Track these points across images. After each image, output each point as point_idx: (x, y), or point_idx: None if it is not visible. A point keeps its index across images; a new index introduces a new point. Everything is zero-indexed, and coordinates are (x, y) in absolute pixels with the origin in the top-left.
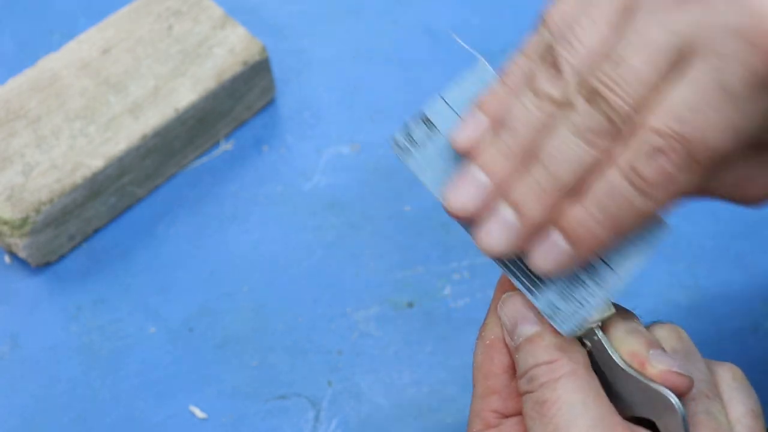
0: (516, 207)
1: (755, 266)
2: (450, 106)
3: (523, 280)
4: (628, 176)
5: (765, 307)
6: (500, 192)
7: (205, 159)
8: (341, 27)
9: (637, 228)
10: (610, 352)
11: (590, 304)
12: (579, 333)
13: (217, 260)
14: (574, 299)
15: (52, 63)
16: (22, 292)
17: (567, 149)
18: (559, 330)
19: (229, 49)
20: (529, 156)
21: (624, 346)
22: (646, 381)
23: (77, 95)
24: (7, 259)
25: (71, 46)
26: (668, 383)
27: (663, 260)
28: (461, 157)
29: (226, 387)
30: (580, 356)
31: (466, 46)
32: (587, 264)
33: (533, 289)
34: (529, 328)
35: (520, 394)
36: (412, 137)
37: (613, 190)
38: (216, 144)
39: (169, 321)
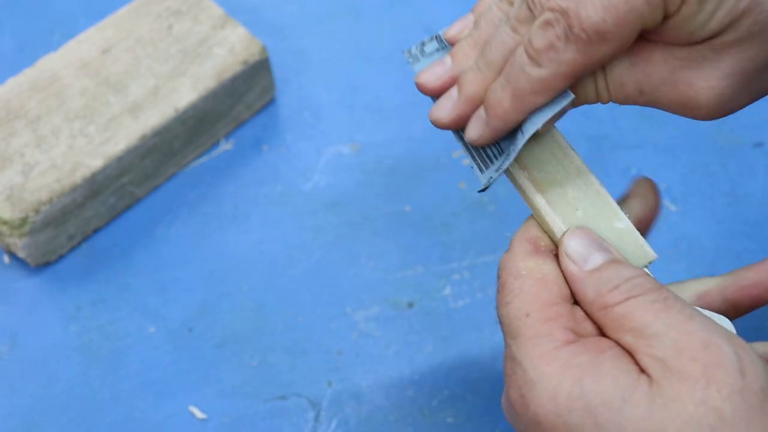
0: (459, 85)
1: None
2: None
3: (477, 159)
4: (526, 48)
5: (765, 307)
6: (457, 75)
7: (204, 159)
8: (341, 27)
9: (538, 93)
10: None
11: (506, 166)
12: (494, 178)
13: (217, 260)
14: (501, 169)
15: (51, 63)
16: (22, 292)
17: (499, 36)
18: (482, 179)
19: (229, 48)
20: (480, 46)
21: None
22: None
23: (77, 95)
24: (6, 258)
25: (71, 45)
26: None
27: (663, 260)
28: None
29: (226, 387)
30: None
31: None
32: (514, 138)
33: (482, 167)
34: (605, 255)
35: (600, 310)
36: (423, 49)
37: (515, 63)
38: (216, 144)
39: (168, 321)
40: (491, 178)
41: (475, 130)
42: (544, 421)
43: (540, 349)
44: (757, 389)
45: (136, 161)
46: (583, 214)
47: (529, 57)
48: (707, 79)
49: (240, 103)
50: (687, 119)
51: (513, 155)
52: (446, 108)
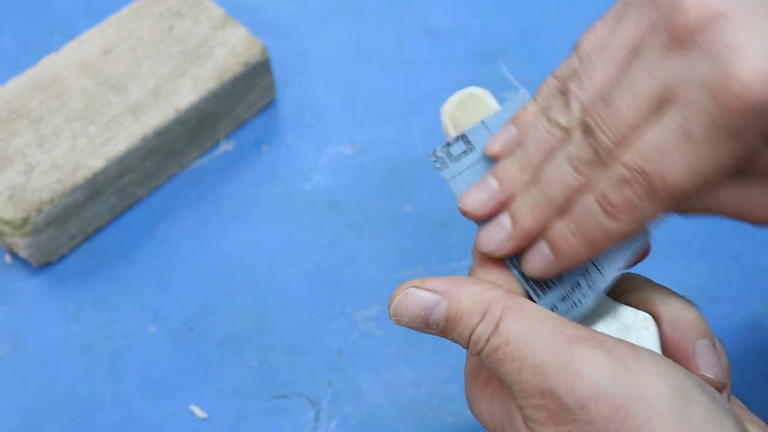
0: (513, 216)
1: (755, 266)
2: (487, 128)
3: (532, 285)
4: (600, 201)
5: (765, 307)
6: (505, 201)
7: (205, 159)
8: (341, 27)
9: (614, 242)
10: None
11: (582, 304)
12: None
13: (217, 260)
14: (570, 300)
15: (52, 63)
16: (23, 292)
17: (559, 173)
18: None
19: (229, 49)
20: (534, 173)
21: (668, 311)
22: (623, 306)
23: (78, 95)
24: (7, 258)
25: (72, 46)
26: (707, 380)
27: (663, 260)
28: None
29: (226, 387)
30: (503, 294)
31: (510, 76)
32: (582, 269)
33: (539, 292)
34: (440, 311)
35: (482, 362)
36: (450, 151)
37: (586, 212)
38: (216, 144)
39: (169, 321)
40: (555, 306)
41: (539, 266)
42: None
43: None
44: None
45: (137, 162)
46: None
47: (604, 211)
48: None
49: (240, 104)
50: None
51: (593, 296)
52: (499, 240)
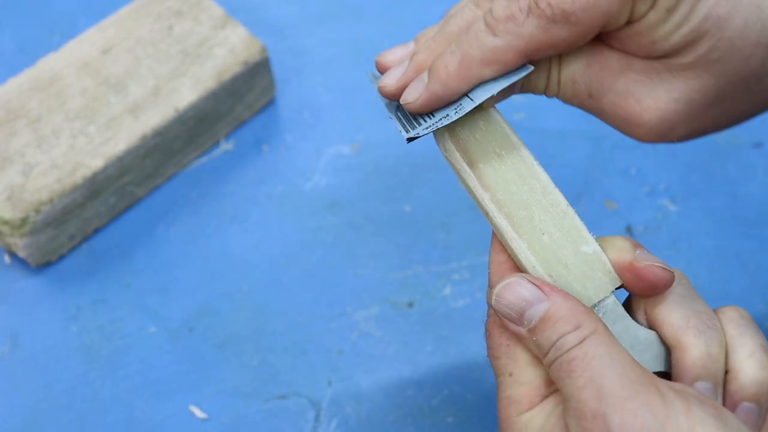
0: (412, 55)
1: (755, 266)
2: None
3: (404, 122)
4: (486, 17)
5: (765, 307)
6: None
7: (205, 159)
8: (341, 27)
9: (488, 63)
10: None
11: (442, 122)
12: (421, 134)
13: (217, 260)
14: (434, 126)
15: (52, 63)
16: (22, 292)
17: (461, 12)
18: (409, 128)
19: (229, 49)
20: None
21: (611, 250)
22: (647, 329)
23: (77, 95)
24: (7, 258)
25: (71, 45)
26: (652, 275)
27: (664, 260)
28: None
29: (226, 387)
30: (597, 318)
31: None
32: (456, 104)
33: (408, 127)
34: (538, 309)
35: (548, 366)
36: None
37: (470, 29)
38: (216, 144)
39: (169, 321)
40: (417, 133)
41: (412, 93)
42: None
43: (506, 413)
44: None
45: (137, 161)
46: (549, 238)
47: (487, 25)
48: (656, 98)
49: (240, 104)
50: None
51: (454, 117)
52: (394, 75)
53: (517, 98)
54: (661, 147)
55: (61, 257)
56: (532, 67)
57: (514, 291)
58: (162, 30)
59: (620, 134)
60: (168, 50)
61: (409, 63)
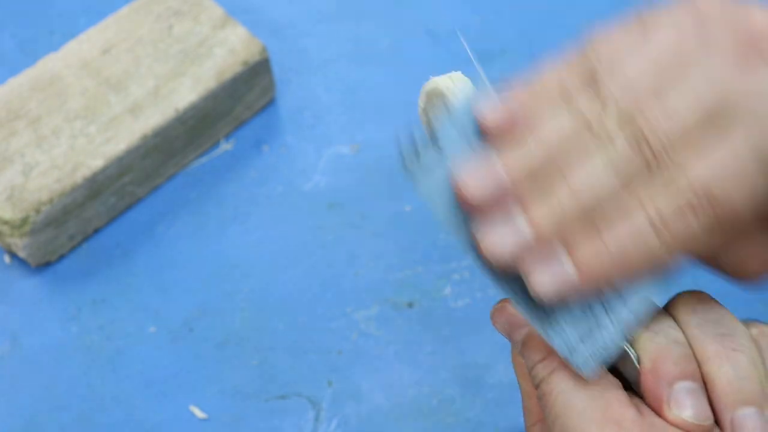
0: (531, 218)
1: None
2: (457, 129)
3: (538, 318)
4: (654, 222)
5: (765, 307)
6: (516, 197)
7: (205, 159)
8: (341, 27)
9: (648, 270)
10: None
11: (609, 346)
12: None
13: (217, 260)
14: (591, 339)
15: (52, 63)
16: (22, 292)
17: (598, 179)
18: (580, 372)
19: (229, 49)
20: (552, 170)
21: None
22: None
23: (78, 95)
24: (7, 258)
25: (71, 46)
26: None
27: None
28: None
29: (226, 387)
30: None
31: (471, 54)
32: (594, 298)
33: (548, 330)
34: (520, 332)
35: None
36: (419, 159)
37: (635, 231)
38: (216, 144)
39: (169, 321)
40: (594, 369)
41: (552, 283)
42: None
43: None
44: None
45: (137, 161)
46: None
47: (657, 233)
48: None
49: (240, 104)
50: None
51: (618, 332)
52: (508, 241)
53: None
54: None
55: (61, 257)
56: (681, 267)
57: (500, 316)
58: (162, 30)
59: None
60: (168, 50)
61: (532, 233)
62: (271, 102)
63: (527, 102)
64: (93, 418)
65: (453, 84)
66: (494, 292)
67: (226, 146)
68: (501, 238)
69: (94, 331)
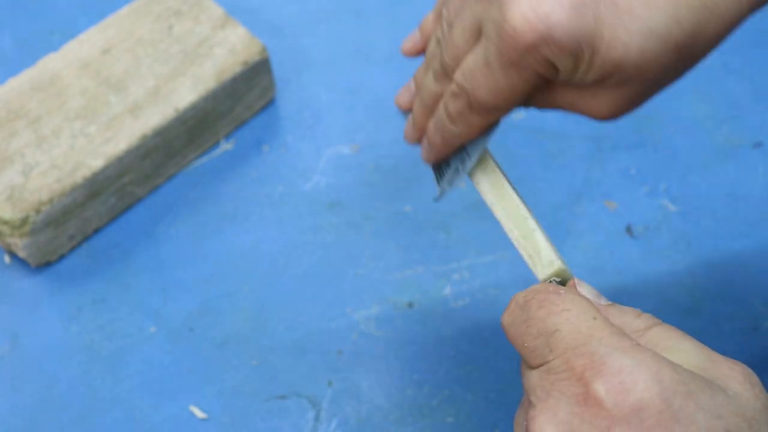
0: (412, 117)
1: (755, 266)
2: None
3: (436, 175)
4: (445, 108)
5: (765, 307)
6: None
7: (205, 159)
8: (341, 27)
9: (461, 139)
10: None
11: (461, 173)
12: (446, 190)
13: (217, 260)
14: (456, 175)
15: (52, 63)
16: (22, 292)
17: (426, 82)
18: (440, 186)
19: (229, 49)
20: (423, 77)
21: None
22: None
23: (77, 95)
24: (7, 258)
25: (71, 45)
26: None
27: (662, 260)
28: None
29: (226, 387)
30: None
31: None
32: (461, 154)
33: (438, 176)
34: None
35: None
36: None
37: (438, 116)
38: (216, 144)
39: (169, 321)
40: (444, 190)
41: (423, 154)
42: (650, 406)
43: (626, 342)
44: None
45: (137, 161)
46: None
47: (448, 116)
48: (600, 102)
49: (240, 104)
50: (689, 120)
51: (463, 174)
52: (408, 133)
53: None
54: (661, 147)
55: (61, 257)
56: (492, 132)
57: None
58: (162, 30)
59: (620, 134)
60: (168, 50)
61: (413, 125)
62: (271, 102)
63: (422, 33)
64: (93, 418)
65: None
66: (494, 292)
67: (226, 146)
68: (406, 132)
69: (94, 331)
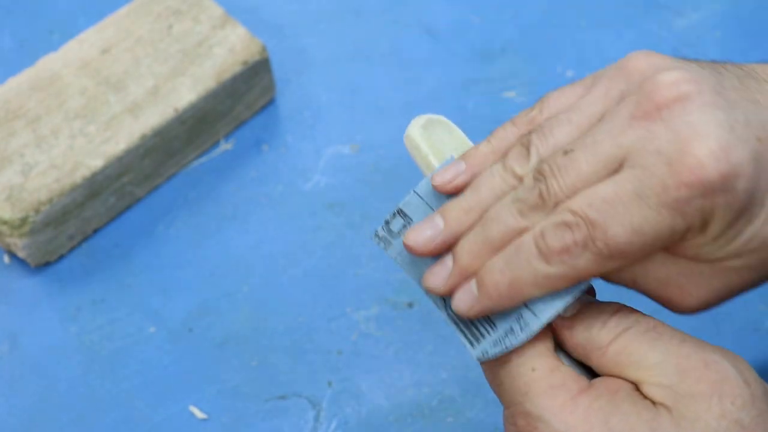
0: (454, 254)
1: None
2: (423, 199)
3: (466, 332)
4: (537, 240)
5: (765, 307)
6: (451, 242)
7: (204, 159)
8: (341, 27)
9: (540, 288)
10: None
11: (512, 345)
12: (491, 354)
13: (217, 260)
14: (502, 344)
15: (51, 62)
16: (22, 292)
17: (502, 214)
18: (472, 352)
19: (229, 48)
20: (482, 216)
21: None
22: None
23: (77, 95)
24: (6, 258)
25: (71, 45)
26: None
27: None
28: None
29: (226, 387)
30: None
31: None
32: (516, 315)
33: (473, 341)
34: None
35: (596, 350)
36: (390, 228)
37: (519, 249)
38: (216, 144)
39: (169, 321)
40: (486, 352)
41: (463, 303)
42: None
43: (559, 400)
44: (760, 395)
45: (136, 161)
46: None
47: (540, 252)
48: (698, 289)
49: (240, 103)
50: None
51: (522, 338)
52: (441, 277)
53: (515, 99)
54: None
55: (61, 257)
56: (590, 283)
57: None
58: (161, 30)
59: None
60: (167, 50)
61: (454, 267)
62: (271, 102)
63: (475, 161)
64: (92, 418)
65: (423, 138)
66: None
67: (225, 146)
68: (433, 276)
69: (94, 331)
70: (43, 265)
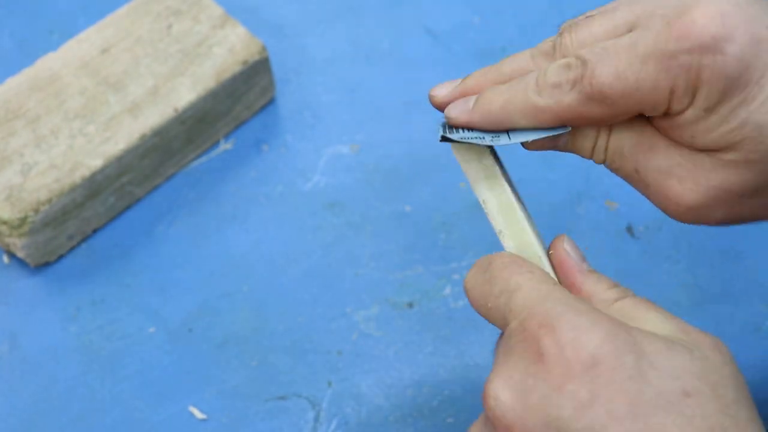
0: (464, 79)
1: (756, 266)
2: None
3: (443, 128)
4: (539, 76)
5: (765, 307)
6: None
7: (204, 159)
8: (341, 27)
9: (527, 115)
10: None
11: (471, 140)
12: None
13: (217, 260)
14: (466, 138)
15: (51, 62)
16: (21, 292)
17: (518, 60)
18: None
19: (228, 48)
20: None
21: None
22: None
23: (76, 95)
24: (5, 259)
25: (70, 45)
26: None
27: (663, 260)
28: None
29: (226, 387)
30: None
31: None
32: (494, 134)
33: (446, 129)
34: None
35: (600, 303)
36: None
37: (522, 81)
38: (216, 144)
39: (169, 321)
40: (451, 138)
41: (455, 110)
42: (603, 362)
43: (585, 304)
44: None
45: (136, 161)
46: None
47: (536, 83)
48: (696, 183)
49: (240, 103)
50: None
51: (488, 142)
52: (445, 89)
53: None
54: None
55: (60, 257)
56: (568, 128)
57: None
58: (161, 29)
59: None
60: (167, 50)
61: (460, 83)
62: (270, 102)
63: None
64: (92, 418)
65: None
66: None
67: (225, 146)
68: (439, 88)
69: (93, 331)
70: (43, 265)
